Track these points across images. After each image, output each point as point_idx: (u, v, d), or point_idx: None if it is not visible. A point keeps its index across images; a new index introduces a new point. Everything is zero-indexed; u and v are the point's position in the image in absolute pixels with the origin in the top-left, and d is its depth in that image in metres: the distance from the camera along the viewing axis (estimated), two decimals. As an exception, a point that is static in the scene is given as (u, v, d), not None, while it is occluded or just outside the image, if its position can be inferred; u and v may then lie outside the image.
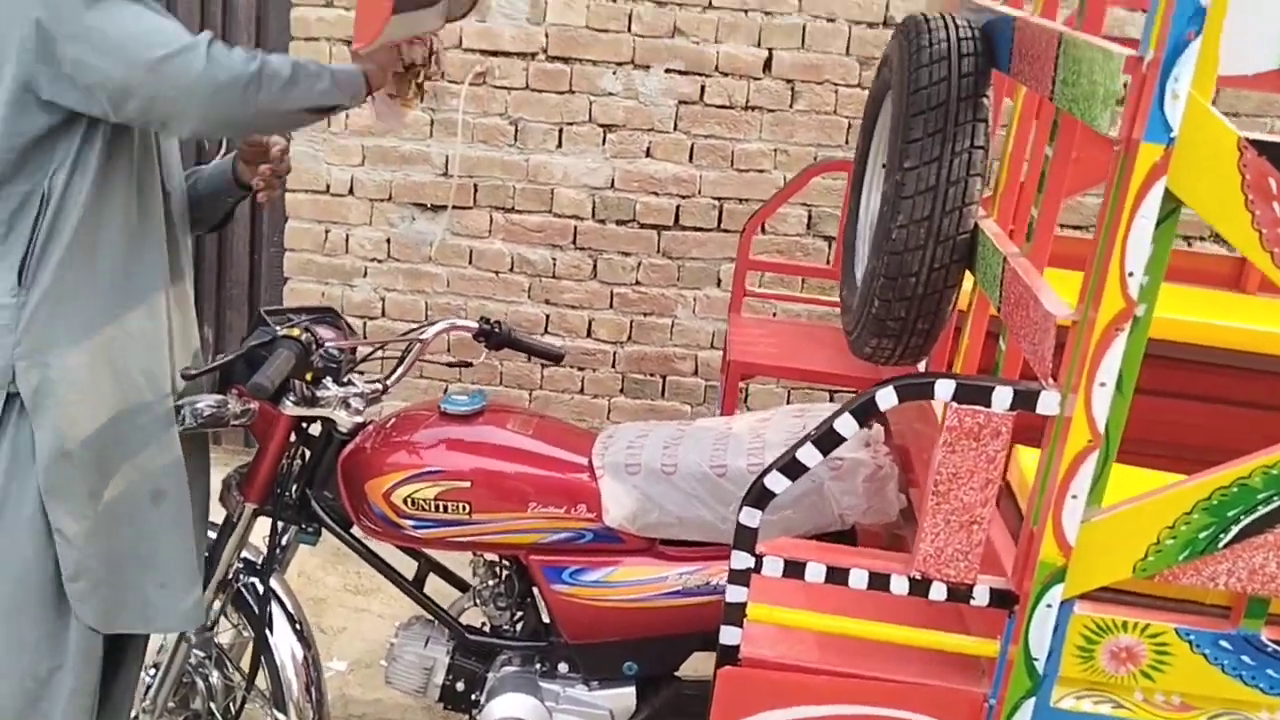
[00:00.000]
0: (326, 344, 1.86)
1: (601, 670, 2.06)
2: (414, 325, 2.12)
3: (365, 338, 2.07)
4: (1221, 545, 1.31)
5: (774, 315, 3.74)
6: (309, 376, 1.86)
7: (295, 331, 1.79)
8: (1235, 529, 1.30)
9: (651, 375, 3.90)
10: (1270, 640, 1.37)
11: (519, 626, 2.16)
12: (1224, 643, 1.37)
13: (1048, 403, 1.27)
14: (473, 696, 2.11)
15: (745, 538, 1.36)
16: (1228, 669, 1.38)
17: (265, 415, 1.99)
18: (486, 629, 2.17)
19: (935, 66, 1.63)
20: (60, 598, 1.80)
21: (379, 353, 2.25)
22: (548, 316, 3.85)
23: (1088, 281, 1.23)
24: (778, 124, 3.70)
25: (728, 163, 3.73)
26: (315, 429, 2.08)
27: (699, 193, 3.75)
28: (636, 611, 1.98)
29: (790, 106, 3.69)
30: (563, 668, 2.08)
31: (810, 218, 3.78)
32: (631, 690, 2.06)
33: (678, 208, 3.77)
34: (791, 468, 1.33)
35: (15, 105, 1.61)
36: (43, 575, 1.78)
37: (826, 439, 1.32)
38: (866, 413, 1.30)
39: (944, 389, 1.27)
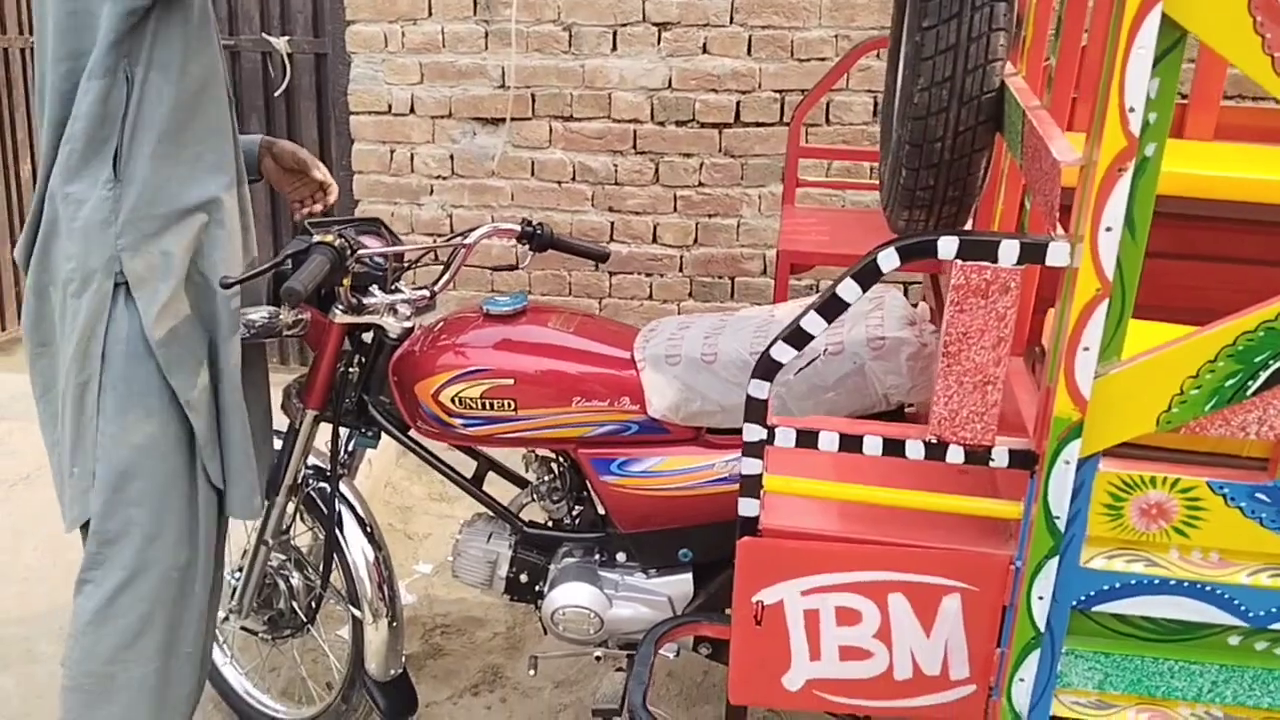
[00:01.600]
0: (362, 251, 1.90)
1: (657, 558, 2.10)
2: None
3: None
4: (1250, 392, 1.25)
5: (842, 207, 3.67)
6: (347, 283, 1.90)
7: (329, 238, 1.82)
8: (1264, 375, 1.24)
9: (720, 277, 3.87)
10: (1312, 492, 1.31)
11: (577, 519, 2.21)
12: (1261, 495, 1.32)
13: (1057, 254, 1.23)
14: (536, 588, 2.17)
15: (756, 410, 1.36)
16: (1266, 522, 1.33)
17: (318, 325, 2.06)
18: (548, 523, 2.23)
19: None
20: (193, 488, 1.85)
21: (426, 260, 2.29)
22: (612, 224, 3.85)
23: (1090, 123, 1.17)
24: (837, 8, 3.59)
25: (787, 53, 3.63)
26: (368, 337, 2.14)
27: (759, 87, 3.67)
28: (686, 499, 2.01)
29: (849, -11, 3.58)
30: (621, 557, 2.12)
31: (876, 104, 3.66)
32: (688, 577, 2.09)
33: (738, 104, 3.70)
34: (796, 337, 1.32)
35: None
36: (180, 461, 1.83)
37: (830, 305, 1.30)
38: (869, 276, 1.28)
39: (948, 246, 1.24)
